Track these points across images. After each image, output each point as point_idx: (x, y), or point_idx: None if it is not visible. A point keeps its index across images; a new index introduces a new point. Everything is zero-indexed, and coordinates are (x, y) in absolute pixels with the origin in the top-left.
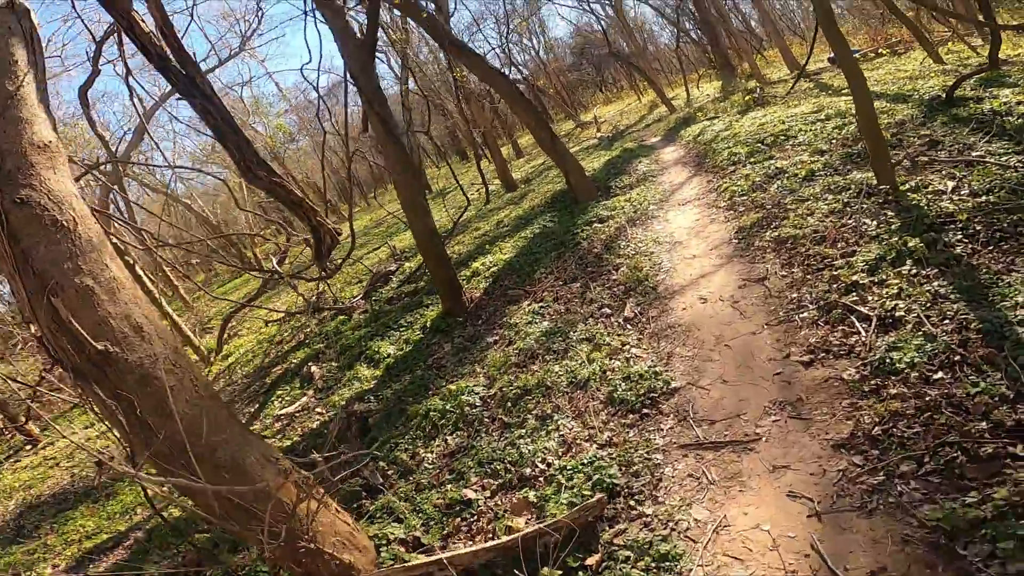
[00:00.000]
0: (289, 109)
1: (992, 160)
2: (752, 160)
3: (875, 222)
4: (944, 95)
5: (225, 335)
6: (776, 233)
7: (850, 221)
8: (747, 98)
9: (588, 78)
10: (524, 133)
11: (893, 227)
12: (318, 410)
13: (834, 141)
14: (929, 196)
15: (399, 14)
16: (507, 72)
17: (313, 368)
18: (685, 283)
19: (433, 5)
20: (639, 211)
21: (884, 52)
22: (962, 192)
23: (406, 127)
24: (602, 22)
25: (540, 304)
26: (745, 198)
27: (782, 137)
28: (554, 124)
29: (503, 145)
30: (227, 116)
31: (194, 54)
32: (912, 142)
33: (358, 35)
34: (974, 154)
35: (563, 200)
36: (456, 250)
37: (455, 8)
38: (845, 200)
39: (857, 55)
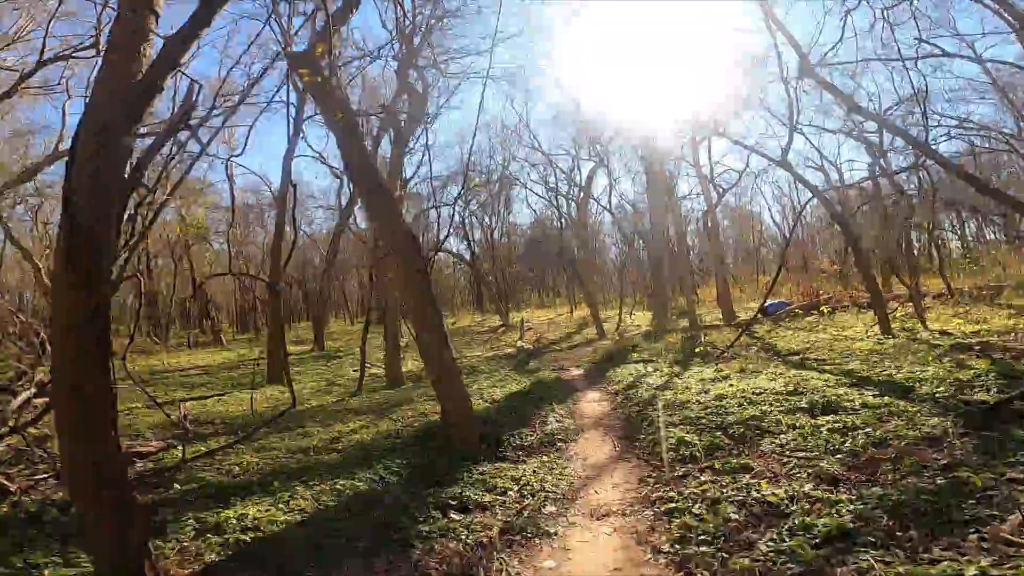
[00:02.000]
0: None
1: None
2: (714, 463)
3: None
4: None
5: None
6: None
7: None
8: (697, 349)
9: (531, 275)
10: (443, 314)
11: None
12: None
13: (841, 457)
14: None
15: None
16: (452, 241)
17: None
18: None
19: (392, 132)
20: (526, 514)
21: (825, 310)
22: None
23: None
24: (563, 219)
25: None
26: (708, 550)
27: (753, 427)
28: (483, 316)
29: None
30: None
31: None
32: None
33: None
34: None
35: (432, 440)
36: (241, 462)
37: (422, 148)
38: None
39: (792, 307)
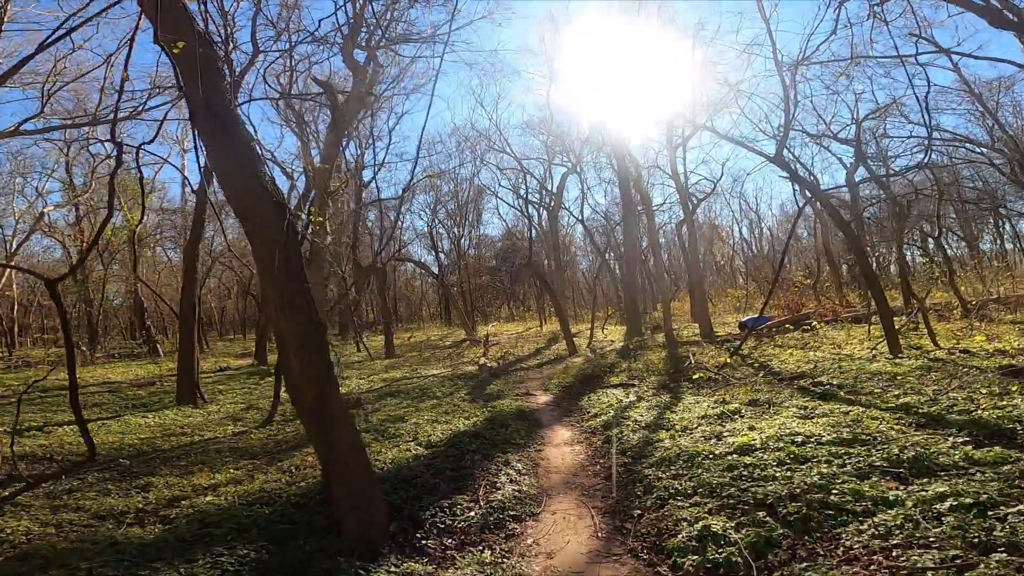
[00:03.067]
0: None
1: None
2: None
3: None
4: None
5: None
6: None
7: None
8: (695, 376)
9: (501, 287)
10: (409, 328)
11: None
12: None
13: (1003, 558)
14: None
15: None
16: (420, 251)
17: None
18: None
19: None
20: None
21: (817, 325)
22: None
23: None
24: (534, 229)
25: None
26: None
27: (818, 504)
28: (450, 329)
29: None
30: None
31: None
32: None
33: None
34: None
35: (321, 510)
36: (3, 529)
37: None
38: None
39: (774, 322)
